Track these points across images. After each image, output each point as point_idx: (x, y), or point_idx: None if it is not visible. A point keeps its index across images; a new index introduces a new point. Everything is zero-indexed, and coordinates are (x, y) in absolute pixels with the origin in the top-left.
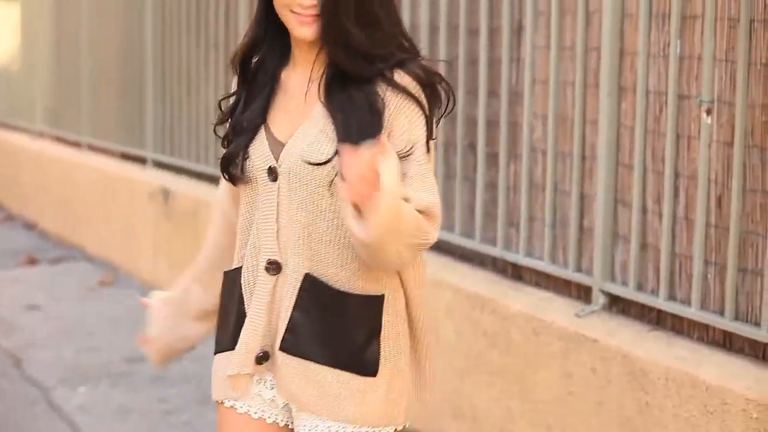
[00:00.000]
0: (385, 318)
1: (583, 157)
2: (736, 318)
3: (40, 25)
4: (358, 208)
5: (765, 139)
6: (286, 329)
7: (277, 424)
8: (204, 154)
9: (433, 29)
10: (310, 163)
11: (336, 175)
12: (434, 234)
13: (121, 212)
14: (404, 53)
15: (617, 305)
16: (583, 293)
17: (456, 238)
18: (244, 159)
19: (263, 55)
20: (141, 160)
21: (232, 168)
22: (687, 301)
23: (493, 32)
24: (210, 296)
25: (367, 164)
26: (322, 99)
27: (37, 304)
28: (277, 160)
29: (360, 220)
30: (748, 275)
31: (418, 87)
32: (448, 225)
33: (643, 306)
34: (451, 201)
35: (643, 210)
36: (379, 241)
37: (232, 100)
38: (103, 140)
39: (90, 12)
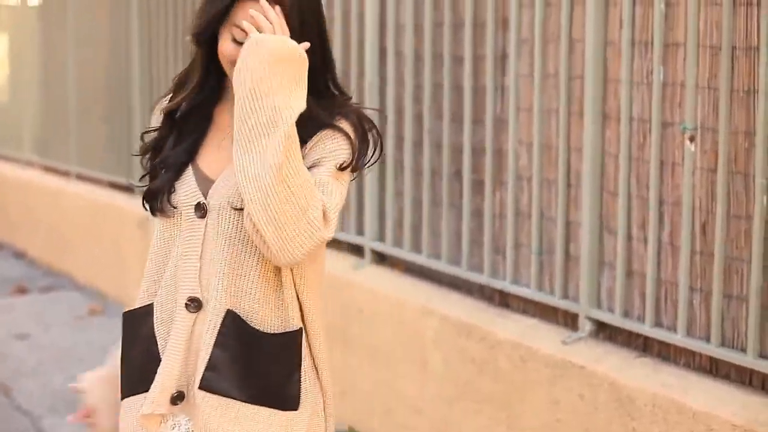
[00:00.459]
0: (304, 351)
1: (568, 185)
2: (722, 344)
3: (28, 55)
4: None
5: (748, 166)
6: (207, 367)
7: None
8: None
9: (418, 57)
10: (235, 208)
11: None
12: (325, 228)
13: (110, 240)
14: (338, 100)
15: (604, 332)
16: (569, 320)
17: (443, 266)
18: (170, 193)
19: (198, 98)
20: (129, 189)
21: (155, 202)
22: (673, 328)
23: (478, 60)
24: None
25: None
26: None
27: (27, 333)
28: (205, 197)
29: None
30: (734, 301)
31: (353, 130)
32: (434, 252)
33: (629, 333)
34: (438, 228)
35: (629, 237)
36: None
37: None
38: (91, 169)
39: (76, 41)
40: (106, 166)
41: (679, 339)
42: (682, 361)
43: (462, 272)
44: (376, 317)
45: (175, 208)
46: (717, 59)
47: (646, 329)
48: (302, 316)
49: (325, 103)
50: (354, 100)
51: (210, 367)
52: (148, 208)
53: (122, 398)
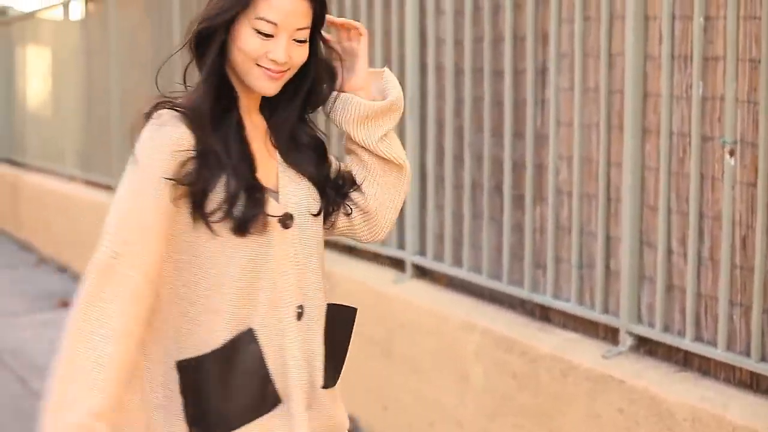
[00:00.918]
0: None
1: (608, 199)
2: (762, 359)
3: (71, 72)
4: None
5: None
6: (324, 368)
7: None
8: None
9: (458, 71)
10: (313, 214)
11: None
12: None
13: None
14: None
15: (644, 346)
16: (610, 334)
17: (484, 280)
18: (261, 214)
19: (224, 107)
20: None
21: (253, 226)
22: (713, 342)
23: (518, 74)
24: None
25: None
26: (284, 151)
27: None
28: (283, 206)
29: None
30: None
31: None
32: (475, 266)
33: (669, 347)
34: (479, 242)
35: (669, 251)
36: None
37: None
38: None
39: (119, 56)
40: None
41: (719, 353)
42: (722, 376)
43: (503, 286)
44: (417, 331)
45: (266, 221)
46: (756, 73)
47: (687, 344)
48: None
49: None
50: None
51: (325, 366)
52: (242, 234)
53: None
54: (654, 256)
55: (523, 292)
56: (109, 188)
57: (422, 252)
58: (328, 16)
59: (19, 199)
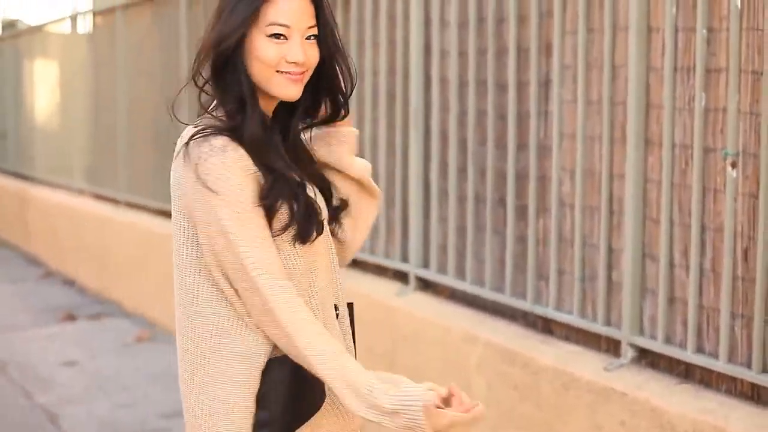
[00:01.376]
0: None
1: (610, 211)
2: (764, 370)
3: (78, 85)
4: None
5: None
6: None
7: None
8: None
9: (462, 83)
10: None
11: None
12: None
13: (159, 268)
14: None
15: (646, 358)
16: (612, 347)
17: (487, 292)
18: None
19: (259, 116)
20: None
21: (318, 234)
22: (715, 354)
23: (521, 86)
24: None
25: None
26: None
27: (75, 360)
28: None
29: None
30: None
31: None
32: (478, 279)
33: (671, 359)
34: (482, 255)
35: (671, 263)
36: None
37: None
38: (139, 197)
39: (126, 71)
40: (155, 193)
41: (720, 365)
42: (724, 388)
43: (506, 298)
44: (420, 343)
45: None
46: (759, 85)
47: (688, 356)
48: None
49: None
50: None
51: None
52: (310, 241)
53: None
54: (656, 268)
55: (526, 305)
56: (115, 202)
57: (425, 264)
58: None
59: (27, 213)
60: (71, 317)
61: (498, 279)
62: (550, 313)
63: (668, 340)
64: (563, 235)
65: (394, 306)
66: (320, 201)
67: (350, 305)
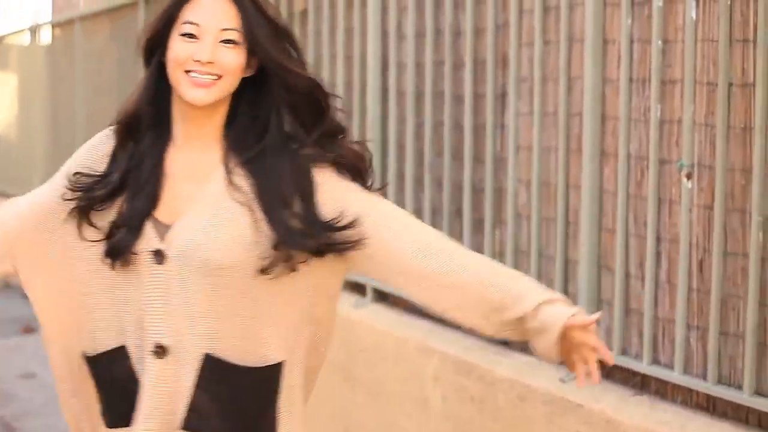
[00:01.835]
0: (283, 383)
1: (566, 223)
2: (719, 382)
3: (37, 96)
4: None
5: (745, 203)
6: (189, 408)
7: None
8: None
9: (419, 96)
10: (207, 248)
11: (266, 266)
12: None
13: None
14: None
15: (601, 369)
16: None
17: None
18: (132, 245)
19: (147, 132)
20: None
21: (119, 256)
22: (670, 366)
23: (478, 98)
24: None
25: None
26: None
27: (33, 373)
28: (162, 241)
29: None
30: (731, 339)
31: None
32: None
33: (627, 370)
34: None
35: (626, 275)
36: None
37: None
38: None
39: (85, 82)
40: None
41: (676, 377)
42: (680, 399)
43: None
44: (377, 355)
45: (135, 254)
46: (714, 96)
47: (644, 367)
48: (298, 347)
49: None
50: (354, 137)
51: (192, 408)
52: (109, 262)
53: (109, 426)
54: (612, 279)
55: None
56: None
57: None
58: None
59: None
60: (29, 330)
61: None
62: None
63: (624, 351)
64: (520, 247)
65: (351, 317)
66: (193, 231)
67: (214, 359)
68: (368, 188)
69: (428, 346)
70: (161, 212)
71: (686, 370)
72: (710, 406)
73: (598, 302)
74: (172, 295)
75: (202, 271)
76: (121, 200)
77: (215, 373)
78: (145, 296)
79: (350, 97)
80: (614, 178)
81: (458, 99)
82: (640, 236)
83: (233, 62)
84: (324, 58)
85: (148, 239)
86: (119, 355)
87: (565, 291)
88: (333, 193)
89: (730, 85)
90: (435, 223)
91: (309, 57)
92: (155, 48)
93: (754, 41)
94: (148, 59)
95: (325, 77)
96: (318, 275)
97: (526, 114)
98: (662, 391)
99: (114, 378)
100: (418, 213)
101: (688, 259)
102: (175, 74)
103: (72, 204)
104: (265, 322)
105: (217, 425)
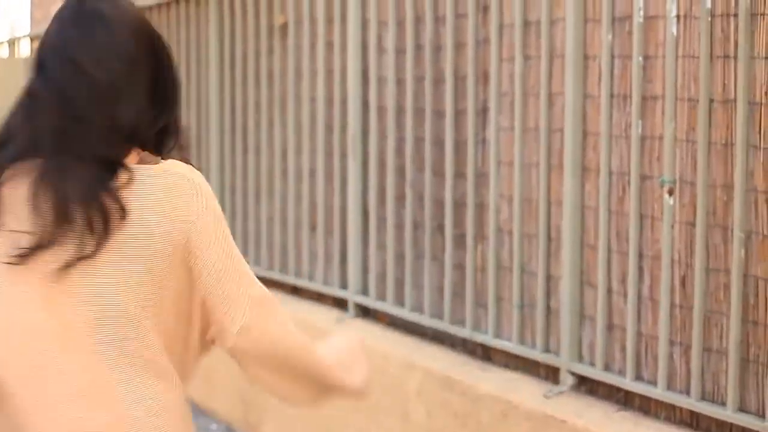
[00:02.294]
0: None
1: (548, 238)
2: (703, 398)
3: None
4: None
5: (727, 219)
6: None
7: None
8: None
9: (400, 110)
10: None
11: None
12: None
13: None
14: None
15: (585, 385)
16: (551, 374)
17: (426, 319)
18: None
19: None
20: None
21: None
22: (654, 381)
23: (459, 114)
24: None
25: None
26: None
27: None
28: None
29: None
30: (713, 354)
31: None
32: (417, 306)
33: (610, 386)
34: (421, 282)
35: (609, 290)
36: None
37: None
38: None
39: None
40: None
41: (659, 392)
42: (663, 415)
43: (444, 325)
44: None
45: None
46: (695, 112)
47: (627, 383)
48: None
49: None
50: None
51: None
52: None
53: None
54: (594, 295)
55: (465, 332)
56: None
57: (364, 291)
58: None
59: None
60: None
61: (437, 306)
62: (489, 340)
63: (607, 367)
64: (501, 263)
65: (333, 333)
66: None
67: None
68: None
69: (411, 361)
70: None
71: (670, 385)
72: (694, 422)
73: (581, 318)
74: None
75: None
76: None
77: None
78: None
79: (331, 112)
80: (596, 194)
81: (439, 114)
82: (622, 252)
83: None
84: (304, 72)
85: None
86: None
87: (548, 306)
88: None
89: (711, 101)
90: (417, 238)
91: (289, 71)
92: None
93: (735, 57)
94: None
95: (305, 92)
96: None
97: (507, 129)
98: (646, 407)
99: None
100: (399, 228)
101: (670, 275)
102: None
103: None
104: None
105: None
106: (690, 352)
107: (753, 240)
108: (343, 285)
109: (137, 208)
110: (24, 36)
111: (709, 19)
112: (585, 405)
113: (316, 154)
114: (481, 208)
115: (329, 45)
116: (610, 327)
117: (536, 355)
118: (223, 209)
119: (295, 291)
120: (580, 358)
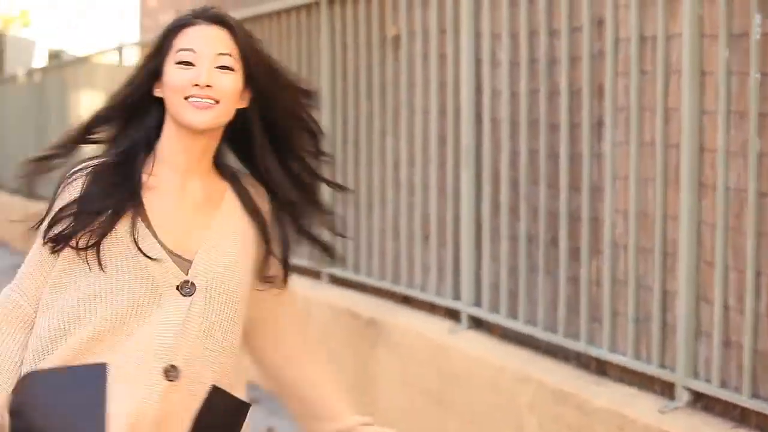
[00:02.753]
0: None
1: (664, 254)
2: None
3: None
4: None
5: None
6: None
7: None
8: None
9: (514, 123)
10: (235, 282)
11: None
12: None
13: None
14: None
15: (701, 402)
16: (666, 389)
17: (539, 332)
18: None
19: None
20: None
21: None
22: None
23: (574, 127)
24: None
25: None
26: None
27: None
28: (187, 274)
29: None
30: None
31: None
32: (531, 318)
33: (727, 403)
34: (534, 294)
35: (725, 306)
36: None
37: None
38: None
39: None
40: None
41: None
42: None
43: (559, 339)
44: (471, 382)
45: (152, 287)
46: None
47: (744, 400)
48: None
49: None
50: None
51: None
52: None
53: None
54: (710, 311)
55: (579, 345)
56: None
57: (478, 303)
58: None
59: None
60: None
61: (551, 319)
62: (604, 354)
63: (724, 383)
64: (617, 277)
65: (446, 344)
66: (216, 264)
67: (222, 393)
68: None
69: (524, 373)
70: (171, 242)
71: None
72: None
73: (697, 333)
74: (192, 324)
75: (226, 304)
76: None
77: (217, 405)
78: (160, 320)
79: (443, 124)
80: (713, 210)
81: (553, 127)
82: (740, 269)
83: (230, 87)
84: (417, 84)
85: (173, 271)
86: (99, 371)
87: (663, 321)
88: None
89: None
90: (531, 251)
91: (402, 83)
92: (149, 81)
93: None
94: (141, 94)
95: (418, 103)
96: None
97: (622, 143)
98: (763, 424)
99: (72, 397)
100: (513, 240)
101: None
102: (174, 102)
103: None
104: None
105: None
106: None
107: None
108: (456, 296)
109: None
110: (132, 44)
111: None
112: (701, 421)
113: (428, 165)
114: (595, 222)
115: (442, 57)
116: (726, 343)
117: (652, 370)
118: None
119: (408, 301)
120: (696, 374)
